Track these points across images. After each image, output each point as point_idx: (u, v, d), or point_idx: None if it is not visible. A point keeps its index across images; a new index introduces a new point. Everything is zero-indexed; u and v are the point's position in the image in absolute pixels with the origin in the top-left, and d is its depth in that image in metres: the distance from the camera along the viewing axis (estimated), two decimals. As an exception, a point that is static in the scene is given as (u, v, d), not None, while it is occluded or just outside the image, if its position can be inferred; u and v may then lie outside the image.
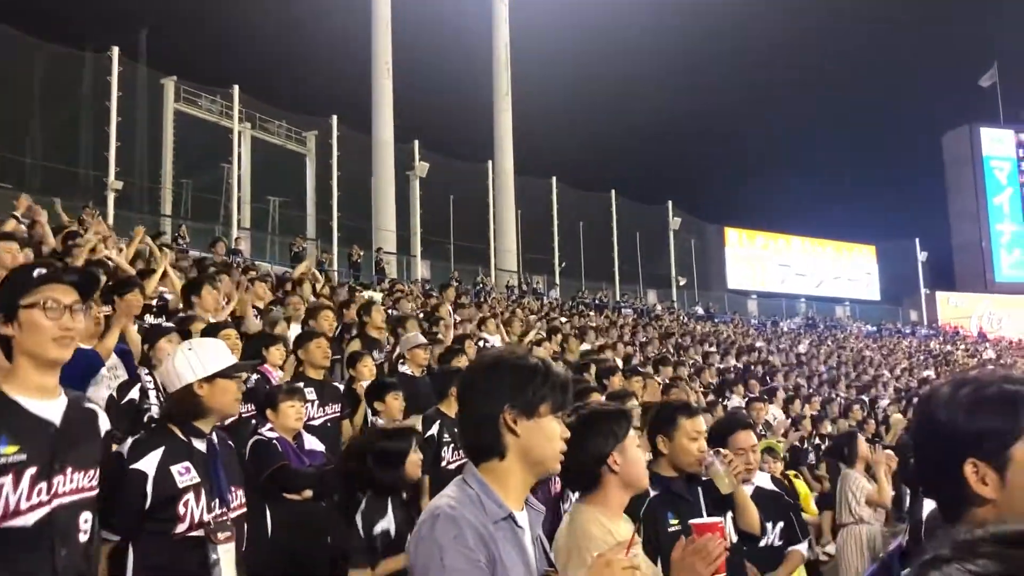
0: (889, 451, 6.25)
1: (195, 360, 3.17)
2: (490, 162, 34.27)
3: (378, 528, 3.86)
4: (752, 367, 17.91)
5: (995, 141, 46.03)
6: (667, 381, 9.33)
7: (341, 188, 29.06)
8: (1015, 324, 42.70)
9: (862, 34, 59.45)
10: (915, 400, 15.43)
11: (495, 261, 33.33)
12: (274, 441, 4.62)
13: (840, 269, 43.23)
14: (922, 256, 43.52)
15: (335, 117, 29.42)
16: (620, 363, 11.27)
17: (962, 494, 1.42)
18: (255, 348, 6.32)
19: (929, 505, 3.14)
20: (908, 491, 9.45)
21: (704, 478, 3.39)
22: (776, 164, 61.35)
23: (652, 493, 3.10)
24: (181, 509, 2.95)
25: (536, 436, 1.95)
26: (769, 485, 3.84)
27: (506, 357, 2.08)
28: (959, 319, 41.84)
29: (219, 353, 3.24)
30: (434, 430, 5.55)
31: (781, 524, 3.85)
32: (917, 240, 43.61)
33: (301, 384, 5.32)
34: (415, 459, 4.08)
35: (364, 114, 31.37)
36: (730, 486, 3.41)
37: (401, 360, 7.15)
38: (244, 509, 3.22)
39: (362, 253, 25.69)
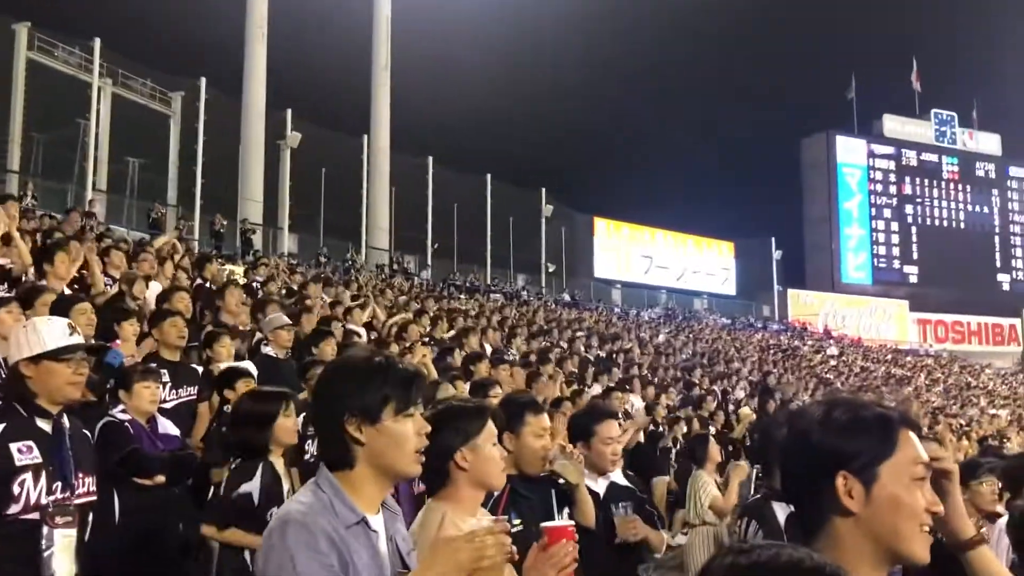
0: (744, 464, 6.53)
1: (24, 338, 3.01)
2: (365, 137, 33.71)
3: (241, 490, 3.77)
4: (614, 355, 18.40)
5: (849, 149, 48.82)
6: (532, 369, 9.45)
7: (207, 154, 27.95)
8: (856, 323, 45.59)
9: (731, 41, 61.78)
10: (762, 391, 16.25)
11: (366, 238, 32.88)
12: (126, 424, 4.40)
13: (700, 263, 44.93)
14: (777, 254, 45.77)
15: (204, 79, 28.23)
16: (488, 349, 11.38)
17: (826, 506, 1.52)
18: (105, 323, 5.99)
19: (782, 510, 3.33)
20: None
21: (545, 474, 3.40)
22: (646, 160, 63.20)
23: (503, 493, 3.05)
24: (16, 489, 2.80)
25: (382, 442, 1.93)
26: (622, 480, 3.92)
27: (345, 361, 2.07)
28: (807, 316, 44.30)
29: (51, 332, 3.03)
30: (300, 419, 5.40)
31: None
32: (773, 239, 45.89)
33: (155, 365, 5.08)
34: (285, 423, 3.97)
35: (235, 78, 30.23)
36: (578, 476, 3.45)
37: (264, 342, 6.95)
38: (93, 497, 3.08)
39: (225, 223, 24.82)
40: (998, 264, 51.15)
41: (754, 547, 1.09)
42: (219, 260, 15.39)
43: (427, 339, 10.07)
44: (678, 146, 63.16)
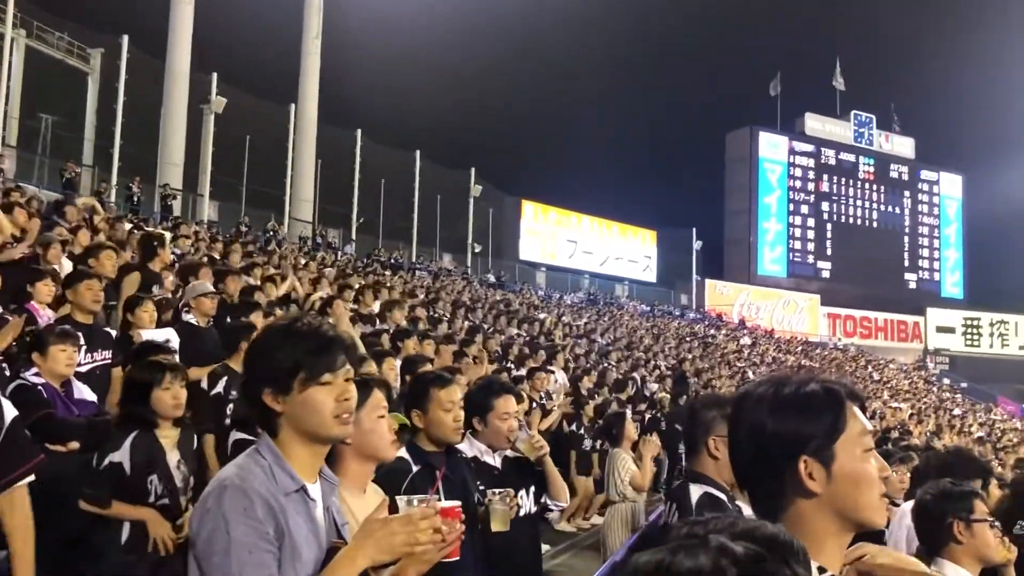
0: (656, 439, 6.65)
1: None
2: (293, 106, 33.02)
3: (110, 459, 3.71)
4: (536, 337, 18.52)
5: (771, 145, 49.97)
6: (457, 348, 9.45)
7: (126, 114, 27.00)
8: (769, 315, 46.88)
9: (662, 34, 62.44)
10: (677, 379, 16.58)
11: (290, 209, 32.29)
12: (39, 387, 4.25)
13: (623, 250, 45.50)
14: (697, 245, 46.67)
15: (126, 37, 27.21)
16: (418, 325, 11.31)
17: (788, 490, 1.52)
18: (17, 284, 5.75)
19: (697, 490, 3.40)
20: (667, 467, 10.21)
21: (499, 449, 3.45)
22: (575, 147, 63.62)
23: (415, 468, 3.06)
24: None
25: (299, 410, 1.92)
26: (511, 453, 3.96)
27: (263, 336, 2.03)
28: (723, 306, 45.35)
29: None
30: (220, 387, 5.30)
31: (533, 489, 3.94)
32: (694, 229, 46.78)
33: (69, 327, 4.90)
34: (163, 396, 3.87)
35: (159, 37, 29.20)
36: (533, 452, 3.50)
37: (186, 308, 6.77)
38: None
39: (143, 187, 24.05)
40: (906, 263, 53.18)
41: (710, 517, 1.10)
42: (140, 223, 14.88)
43: (354, 315, 9.97)
44: (607, 135, 63.74)
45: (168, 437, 3.92)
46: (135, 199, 23.20)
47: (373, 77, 47.12)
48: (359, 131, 35.04)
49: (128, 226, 13.15)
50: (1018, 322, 51.66)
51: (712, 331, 37.54)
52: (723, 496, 3.13)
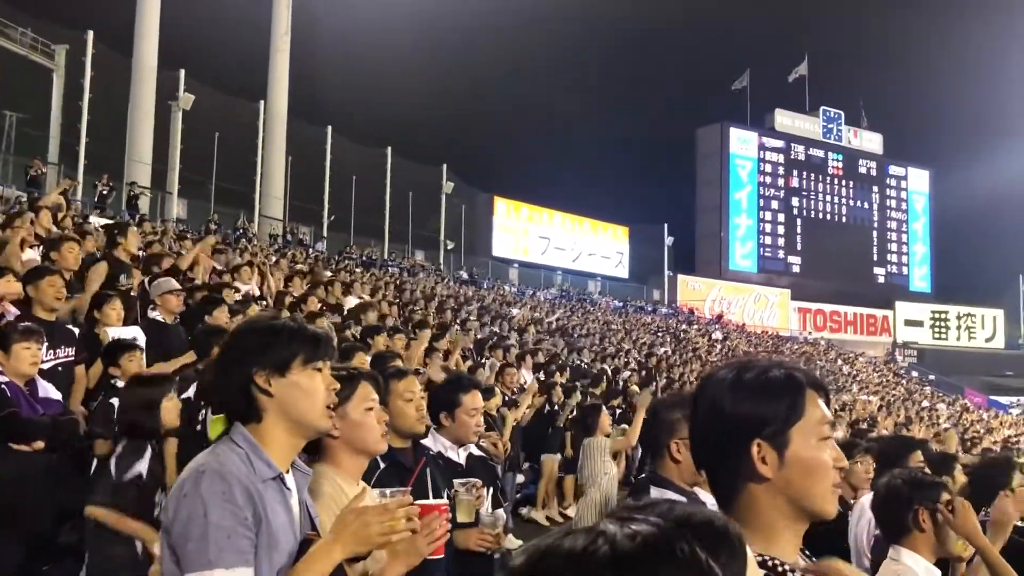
0: (647, 391, 6.71)
1: None
2: (262, 102, 32.75)
3: (132, 472, 3.77)
4: (508, 334, 18.54)
5: (741, 141, 50.33)
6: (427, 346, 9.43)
7: (92, 111, 26.63)
8: (741, 309, 47.23)
9: (634, 29, 62.70)
10: (647, 374, 16.71)
11: (259, 207, 32.04)
12: (3, 386, 4.19)
13: (595, 246, 45.65)
14: (669, 240, 46.91)
15: (91, 33, 26.84)
16: (387, 322, 11.28)
17: (741, 473, 1.52)
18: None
19: (656, 494, 3.41)
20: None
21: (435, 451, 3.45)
22: (547, 143, 63.74)
23: (382, 465, 3.03)
24: None
25: (292, 393, 1.93)
26: (477, 451, 3.96)
27: (254, 320, 2.09)
28: (695, 301, 45.64)
29: None
30: (191, 392, 5.24)
31: (491, 491, 3.91)
32: (666, 225, 47.04)
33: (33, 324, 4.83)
34: (170, 406, 4.01)
35: (126, 33, 28.85)
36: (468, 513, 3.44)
37: (152, 306, 6.70)
38: None
39: (111, 185, 23.76)
40: (875, 258, 53.80)
41: (650, 502, 1.11)
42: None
43: (323, 305, 9.94)
44: (579, 131, 63.92)
45: (170, 450, 4.02)
46: (102, 197, 22.92)
47: (344, 73, 46.88)
48: (329, 127, 34.84)
49: (95, 223, 12.99)
50: (984, 315, 52.50)
51: (684, 326, 37.77)
52: (683, 500, 3.13)
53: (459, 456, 3.67)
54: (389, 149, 36.97)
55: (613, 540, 0.84)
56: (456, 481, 3.21)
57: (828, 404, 1.60)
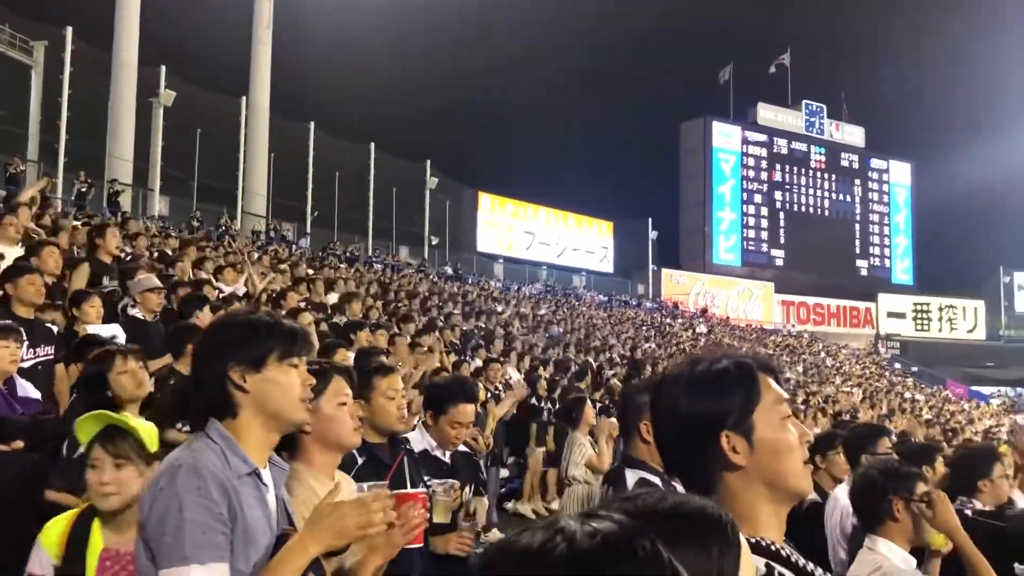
0: (613, 420, 6.72)
1: None
2: (244, 98, 32.56)
3: (80, 449, 3.58)
4: (494, 329, 18.55)
5: (724, 135, 50.47)
6: (411, 339, 9.43)
7: (72, 108, 26.45)
8: (725, 303, 47.42)
9: (618, 24, 62.72)
10: (631, 365, 16.75)
11: (242, 204, 31.87)
12: (-20, 385, 4.15)
13: (580, 241, 45.70)
14: (653, 235, 47.02)
15: (70, 29, 26.62)
16: (372, 315, 11.27)
17: (714, 465, 1.54)
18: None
19: (632, 476, 3.44)
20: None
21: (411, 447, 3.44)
22: (532, 138, 63.68)
23: (360, 460, 3.03)
24: None
25: (267, 388, 1.93)
26: (462, 447, 3.95)
27: (230, 315, 2.08)
28: (679, 295, 45.79)
29: None
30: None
31: (473, 485, 3.91)
32: (650, 220, 47.12)
33: (12, 323, 4.80)
34: (119, 379, 3.89)
35: (105, 29, 28.57)
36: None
37: (132, 303, 6.66)
38: None
39: (89, 182, 23.55)
40: (857, 251, 54.11)
41: (640, 493, 1.11)
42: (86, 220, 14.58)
43: (305, 303, 9.91)
44: (563, 126, 63.94)
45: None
46: (80, 195, 22.74)
47: (327, 68, 46.69)
48: (312, 123, 34.70)
49: (75, 222, 12.88)
50: (965, 307, 52.91)
51: (668, 320, 37.89)
52: (657, 480, 3.17)
53: (444, 455, 3.67)
54: (373, 145, 36.85)
55: (572, 538, 0.81)
56: (434, 482, 3.21)
57: (779, 383, 1.62)
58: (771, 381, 1.59)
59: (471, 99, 60.95)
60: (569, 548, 0.80)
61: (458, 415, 3.53)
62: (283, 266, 16.63)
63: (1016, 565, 3.29)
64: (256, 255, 18.20)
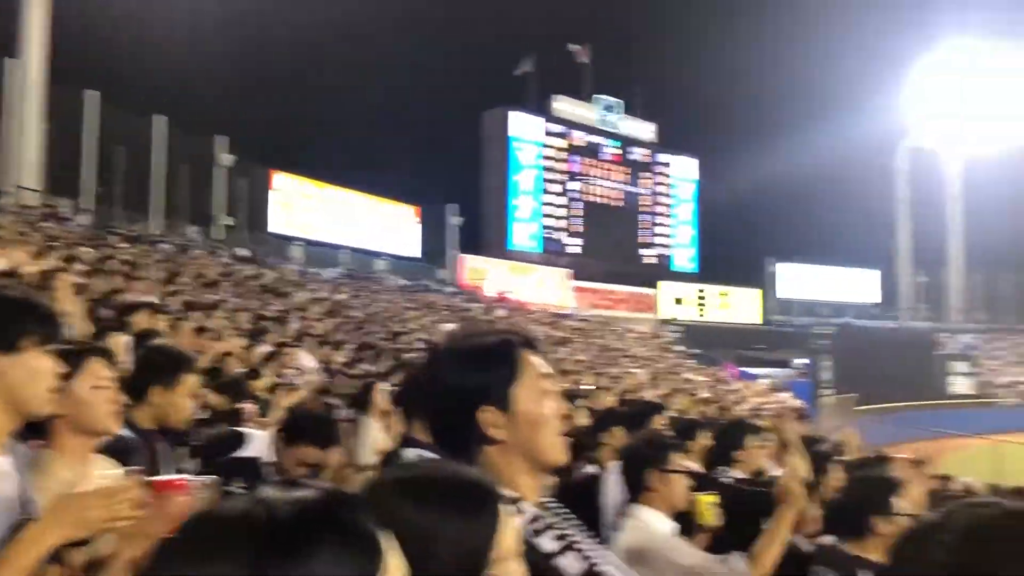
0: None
1: None
2: (8, 59, 29.71)
3: None
4: (287, 313, 18.11)
5: (523, 125, 51.65)
6: (198, 325, 9.06)
7: None
8: (521, 288, 48.62)
9: (418, 9, 62.53)
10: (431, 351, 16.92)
11: (10, 175, 29.15)
12: None
13: (384, 224, 45.31)
14: (456, 220, 47.44)
15: None
16: (154, 300, 10.68)
17: (474, 439, 1.61)
18: None
19: (410, 454, 3.53)
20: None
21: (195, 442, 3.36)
22: (334, 117, 62.39)
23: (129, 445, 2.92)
24: None
25: (18, 373, 1.83)
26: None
27: None
28: (479, 281, 46.51)
29: None
30: None
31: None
32: (456, 206, 47.57)
33: None
34: None
35: None
36: None
37: None
38: None
39: None
40: (644, 240, 57.17)
41: (415, 463, 1.16)
42: None
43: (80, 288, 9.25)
44: (371, 108, 63.02)
45: None
46: None
47: (112, 33, 43.38)
48: (94, 92, 32.23)
49: None
50: (742, 294, 57.42)
51: (468, 304, 38.45)
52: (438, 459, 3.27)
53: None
54: (163, 118, 34.76)
55: (272, 506, 0.82)
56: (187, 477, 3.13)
57: (542, 358, 1.70)
58: (533, 357, 1.67)
59: (271, 76, 58.82)
60: (268, 516, 0.81)
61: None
62: (56, 243, 15.44)
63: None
64: (22, 231, 16.77)
